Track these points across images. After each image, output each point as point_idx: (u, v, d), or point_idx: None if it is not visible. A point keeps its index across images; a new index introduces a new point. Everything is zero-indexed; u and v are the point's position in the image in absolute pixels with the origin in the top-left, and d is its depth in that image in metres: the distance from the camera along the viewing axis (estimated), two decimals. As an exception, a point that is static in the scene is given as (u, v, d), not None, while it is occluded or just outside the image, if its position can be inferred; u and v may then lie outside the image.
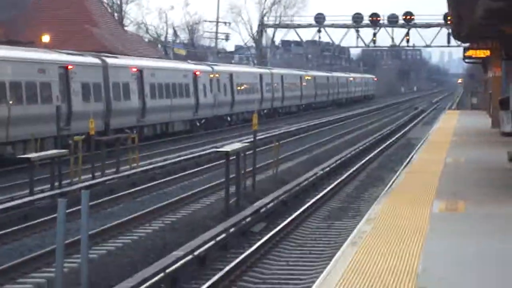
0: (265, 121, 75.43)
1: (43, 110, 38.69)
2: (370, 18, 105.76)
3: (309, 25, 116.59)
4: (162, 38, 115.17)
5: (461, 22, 24.71)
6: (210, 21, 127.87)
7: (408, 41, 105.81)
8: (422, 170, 26.11)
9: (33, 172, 26.84)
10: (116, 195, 28.43)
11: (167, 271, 14.17)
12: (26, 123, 36.92)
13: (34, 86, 39.18)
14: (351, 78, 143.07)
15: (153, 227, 22.41)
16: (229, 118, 74.62)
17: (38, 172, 27.93)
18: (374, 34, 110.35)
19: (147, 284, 14.54)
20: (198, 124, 65.28)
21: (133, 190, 30.33)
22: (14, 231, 21.31)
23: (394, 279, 10.85)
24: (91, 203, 17.31)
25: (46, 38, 62.61)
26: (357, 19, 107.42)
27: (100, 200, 26.12)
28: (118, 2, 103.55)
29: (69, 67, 42.33)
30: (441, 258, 12.38)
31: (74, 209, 18.42)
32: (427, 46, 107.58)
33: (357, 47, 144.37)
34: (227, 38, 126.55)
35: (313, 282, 12.25)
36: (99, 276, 15.45)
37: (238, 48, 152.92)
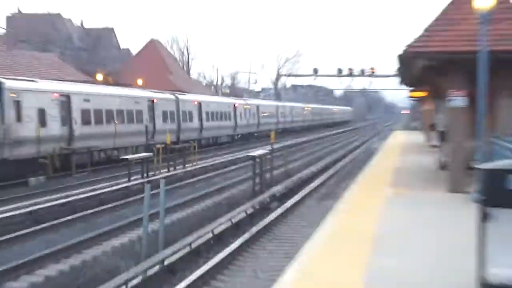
0: (279, 136, 75.53)
1: (137, 128, 39.02)
2: (349, 71, 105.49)
3: (309, 75, 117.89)
4: (214, 83, 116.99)
5: (406, 75, 24.62)
6: (244, 72, 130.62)
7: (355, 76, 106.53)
8: (380, 167, 26.11)
9: (130, 167, 26.95)
10: (183, 182, 28.21)
11: (215, 232, 14.28)
12: (126, 136, 37.25)
13: (132, 112, 39.23)
14: (335, 110, 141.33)
15: (201, 205, 21.65)
16: (256, 134, 74.33)
17: (134, 167, 28.08)
18: (351, 81, 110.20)
19: (200, 241, 14.80)
20: (236, 138, 65.22)
21: (194, 179, 29.74)
22: (118, 205, 21.23)
23: (358, 233, 10.94)
24: (167, 187, 17.44)
25: (140, 82, 63.20)
26: (339, 71, 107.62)
27: (172, 186, 25.86)
28: (186, 60, 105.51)
29: (154, 100, 42.62)
30: (395, 220, 12.62)
31: (155, 191, 18.56)
32: (384, 89, 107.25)
33: (339, 89, 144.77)
34: (256, 82, 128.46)
35: (311, 234, 12.30)
36: (169, 236, 15.37)
37: (263, 89, 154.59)
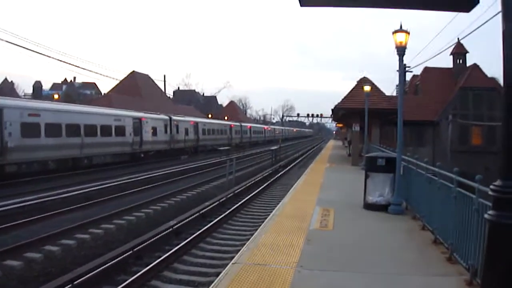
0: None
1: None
2: (311, 115, 71.56)
3: (295, 116, 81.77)
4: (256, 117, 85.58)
5: (336, 116, 23.99)
6: (270, 114, 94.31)
7: (315, 117, 72.66)
8: (324, 155, 24.88)
9: (221, 151, 24.75)
10: (241, 160, 22.99)
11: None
12: (211, 140, 31.01)
13: (222, 130, 32.47)
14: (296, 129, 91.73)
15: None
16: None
17: (221, 152, 25.10)
18: (312, 119, 72.99)
19: (252, 182, 13.88)
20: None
21: (246, 159, 24.32)
22: (215, 168, 18.31)
23: (314, 182, 10.72)
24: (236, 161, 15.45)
25: (226, 118, 49.59)
26: (308, 115, 70.93)
27: (238, 161, 18.40)
28: (244, 108, 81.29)
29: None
30: (326, 179, 12.11)
31: (230, 163, 14.79)
32: (326, 122, 79.73)
33: (307, 122, 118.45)
34: (274, 118, 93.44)
35: (295, 182, 11.84)
36: (237, 180, 14.26)
37: (277, 122, 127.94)
